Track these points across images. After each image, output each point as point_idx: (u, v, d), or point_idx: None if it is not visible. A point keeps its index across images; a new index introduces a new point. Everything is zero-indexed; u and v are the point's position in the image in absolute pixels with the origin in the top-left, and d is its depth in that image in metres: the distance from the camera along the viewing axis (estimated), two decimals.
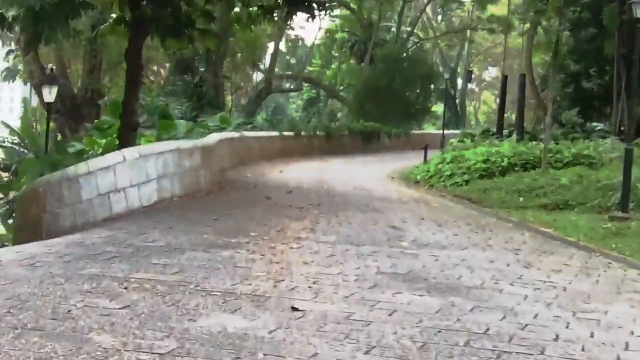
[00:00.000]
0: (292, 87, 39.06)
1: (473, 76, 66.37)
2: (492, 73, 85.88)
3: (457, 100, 64.75)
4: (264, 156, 24.00)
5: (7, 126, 31.20)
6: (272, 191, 15.43)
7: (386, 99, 39.37)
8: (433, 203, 14.95)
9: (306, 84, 48.75)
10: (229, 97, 42.46)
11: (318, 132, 29.17)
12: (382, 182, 19.80)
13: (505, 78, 35.05)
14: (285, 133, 26.71)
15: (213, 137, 17.93)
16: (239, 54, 38.31)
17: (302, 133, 28.08)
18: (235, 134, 21.06)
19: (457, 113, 64.63)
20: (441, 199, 15.87)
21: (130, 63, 14.98)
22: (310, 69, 65.74)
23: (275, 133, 26.04)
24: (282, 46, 65.23)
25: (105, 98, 32.28)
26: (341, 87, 51.00)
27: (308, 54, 76.50)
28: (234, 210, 12.25)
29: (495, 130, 30.61)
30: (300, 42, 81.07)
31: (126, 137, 14.00)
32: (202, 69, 31.91)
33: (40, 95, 27.73)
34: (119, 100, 17.32)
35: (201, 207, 12.34)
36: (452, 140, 28.45)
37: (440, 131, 46.80)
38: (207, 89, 30.64)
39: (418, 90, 40.37)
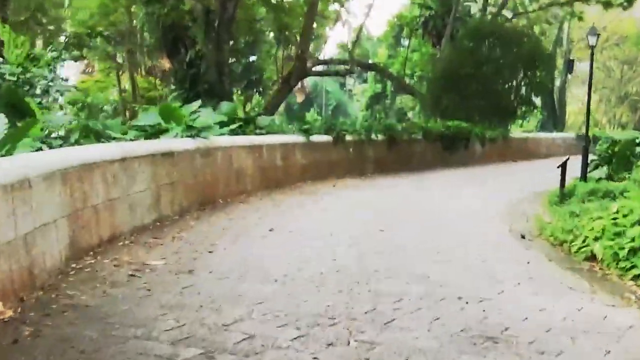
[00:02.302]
0: (339, 72, 27.86)
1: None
2: (581, 67, 72.71)
3: (555, 96, 52.67)
4: (267, 181, 13.36)
5: None
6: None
7: (472, 91, 28.22)
8: None
9: (360, 70, 37.36)
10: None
11: (374, 136, 18.29)
12: (502, 249, 8.76)
13: None
14: (316, 138, 15.96)
15: (99, 152, 7.46)
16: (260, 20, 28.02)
17: (348, 138, 17.26)
18: (189, 145, 10.30)
19: (555, 111, 52.45)
20: None
21: None
22: (374, 61, 55.00)
23: (297, 138, 15.30)
24: (340, 33, 54.85)
25: None
26: (412, 79, 39.87)
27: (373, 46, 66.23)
28: None
29: None
30: (365, 31, 70.78)
31: None
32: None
33: None
34: None
35: None
36: (596, 153, 17.30)
37: (548, 134, 35.34)
38: (205, 70, 20.31)
39: (519, 78, 28.95)
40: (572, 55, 53.90)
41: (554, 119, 50.20)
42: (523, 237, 9.72)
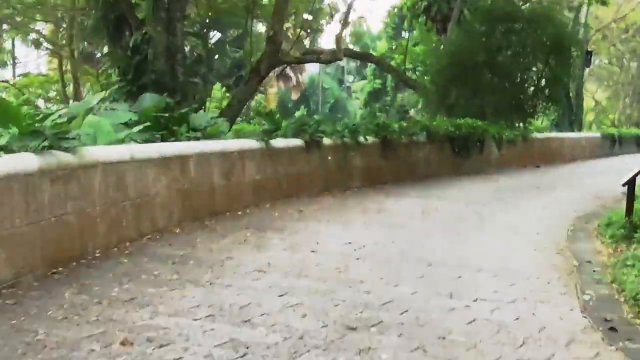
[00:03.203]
0: (321, 58, 23.21)
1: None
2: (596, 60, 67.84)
3: (571, 91, 47.93)
4: (194, 210, 8.88)
5: None
6: None
7: (485, 83, 23.75)
8: None
9: (349, 59, 32.12)
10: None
11: (362, 139, 13.85)
12: None
13: None
14: (280, 142, 11.50)
15: None
16: None
17: (326, 141, 12.82)
18: (22, 164, 5.88)
19: (571, 108, 47.75)
20: None
21: None
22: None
23: (251, 143, 10.82)
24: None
25: None
26: (414, 74, 35.34)
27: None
28: None
29: None
30: (364, 24, 66.27)
31: None
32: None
33: None
34: None
35: None
36: None
37: (572, 134, 30.78)
38: (152, 57, 15.82)
39: (540, 68, 24.38)
40: (589, 46, 49.36)
41: (570, 116, 45.60)
42: (613, 329, 5.30)
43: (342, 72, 71.08)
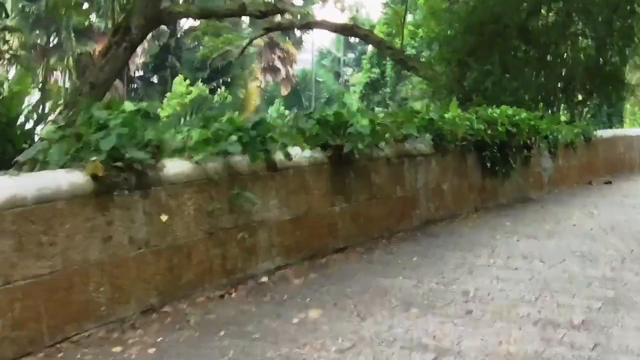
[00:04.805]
0: (263, 13, 14.96)
1: None
2: None
3: None
4: None
5: None
6: None
7: (521, 56, 15.93)
8: None
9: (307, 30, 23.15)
10: None
11: (281, 156, 5.79)
12: None
13: None
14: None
15: None
16: None
17: (173, 169, 4.75)
18: None
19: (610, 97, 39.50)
20: None
21: None
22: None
23: None
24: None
25: None
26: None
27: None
28: None
29: None
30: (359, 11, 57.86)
31: None
32: None
33: None
34: None
35: None
36: None
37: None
38: None
39: (603, 35, 16.26)
40: None
41: (608, 107, 37.20)
42: None
43: (338, 63, 63.04)
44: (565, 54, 16.78)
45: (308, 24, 21.62)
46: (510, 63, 15.46)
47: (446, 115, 8.80)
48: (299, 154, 6.34)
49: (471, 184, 9.37)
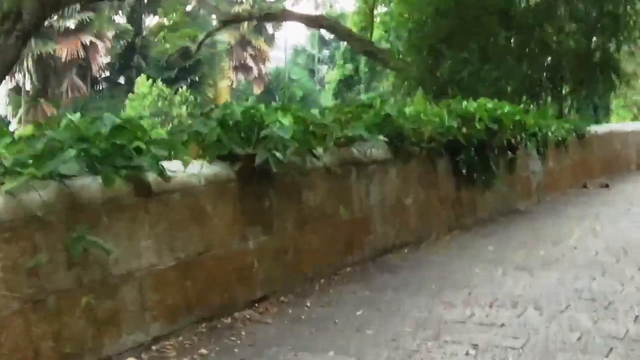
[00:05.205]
0: None
1: None
2: None
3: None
4: None
5: None
6: None
7: (501, 44, 14.12)
8: None
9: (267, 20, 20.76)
10: None
11: (156, 174, 3.82)
12: None
13: None
14: None
15: None
16: None
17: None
18: None
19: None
20: None
21: None
22: None
23: None
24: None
25: None
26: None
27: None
28: None
29: None
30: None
31: None
32: None
33: None
34: None
35: None
36: None
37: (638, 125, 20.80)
38: None
39: (594, 20, 14.42)
40: None
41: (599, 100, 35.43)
42: None
43: (313, 60, 61.09)
44: (551, 40, 14.95)
45: (269, 15, 19.76)
46: (490, 50, 13.63)
47: (407, 110, 6.85)
48: (187, 170, 4.38)
49: (442, 197, 7.44)
